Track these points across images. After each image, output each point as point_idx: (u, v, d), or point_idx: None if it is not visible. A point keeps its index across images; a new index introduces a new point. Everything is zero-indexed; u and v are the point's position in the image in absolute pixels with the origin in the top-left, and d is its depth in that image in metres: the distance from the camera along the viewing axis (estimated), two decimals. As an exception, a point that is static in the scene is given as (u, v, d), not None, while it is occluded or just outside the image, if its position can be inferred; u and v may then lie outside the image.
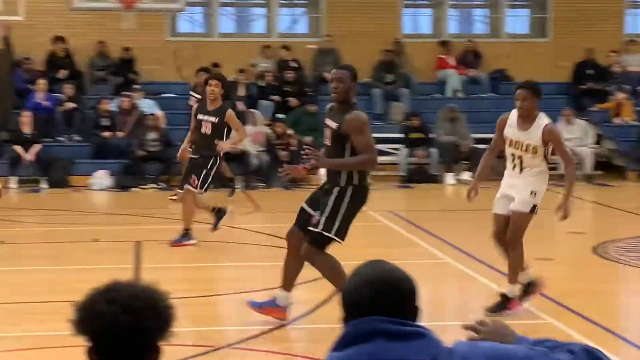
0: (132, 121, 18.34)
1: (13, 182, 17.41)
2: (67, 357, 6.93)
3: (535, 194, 7.91)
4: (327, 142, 7.42)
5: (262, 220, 14.40)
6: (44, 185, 17.28)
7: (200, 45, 20.78)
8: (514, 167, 7.95)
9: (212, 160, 10.96)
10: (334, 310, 7.69)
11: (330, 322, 7.58)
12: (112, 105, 18.82)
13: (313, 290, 8.80)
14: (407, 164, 18.58)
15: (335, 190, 7.30)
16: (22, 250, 11.33)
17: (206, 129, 10.94)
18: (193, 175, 11.00)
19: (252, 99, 19.58)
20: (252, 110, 18.89)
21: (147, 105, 19.00)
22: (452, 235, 12.05)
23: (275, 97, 19.62)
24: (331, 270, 7.39)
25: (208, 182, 11.03)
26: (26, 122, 17.76)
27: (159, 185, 17.60)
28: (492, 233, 8.12)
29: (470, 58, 21.27)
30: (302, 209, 7.53)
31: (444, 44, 21.21)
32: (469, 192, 8.22)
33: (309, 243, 7.36)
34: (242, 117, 18.84)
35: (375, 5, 21.10)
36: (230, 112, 11.10)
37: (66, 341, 6.91)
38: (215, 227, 11.42)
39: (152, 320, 2.35)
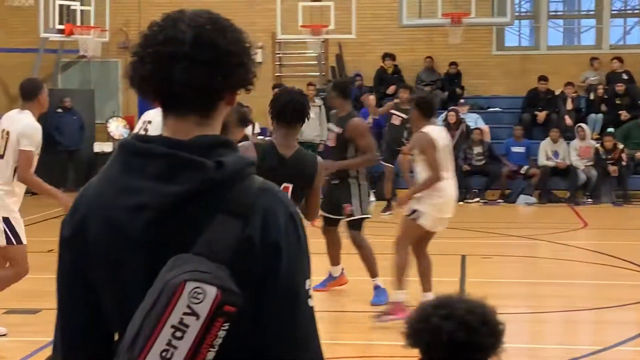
0: (458, 135, 18.46)
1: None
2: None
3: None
4: (332, 143, 8.68)
5: (590, 237, 14.00)
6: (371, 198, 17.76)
7: (527, 58, 20.60)
8: None
9: None
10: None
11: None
12: (438, 120, 19.04)
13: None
14: None
15: (352, 179, 8.59)
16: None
17: None
18: None
19: (580, 112, 19.10)
20: (580, 124, 18.42)
21: (472, 119, 19.06)
22: None
23: (605, 110, 19.01)
24: (369, 249, 8.67)
25: None
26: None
27: (483, 199, 17.64)
28: None
29: None
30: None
31: None
32: None
33: (351, 229, 8.64)
34: (570, 132, 18.44)
35: None
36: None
37: (386, 352, 7.10)
38: None
39: (486, 336, 2.33)
